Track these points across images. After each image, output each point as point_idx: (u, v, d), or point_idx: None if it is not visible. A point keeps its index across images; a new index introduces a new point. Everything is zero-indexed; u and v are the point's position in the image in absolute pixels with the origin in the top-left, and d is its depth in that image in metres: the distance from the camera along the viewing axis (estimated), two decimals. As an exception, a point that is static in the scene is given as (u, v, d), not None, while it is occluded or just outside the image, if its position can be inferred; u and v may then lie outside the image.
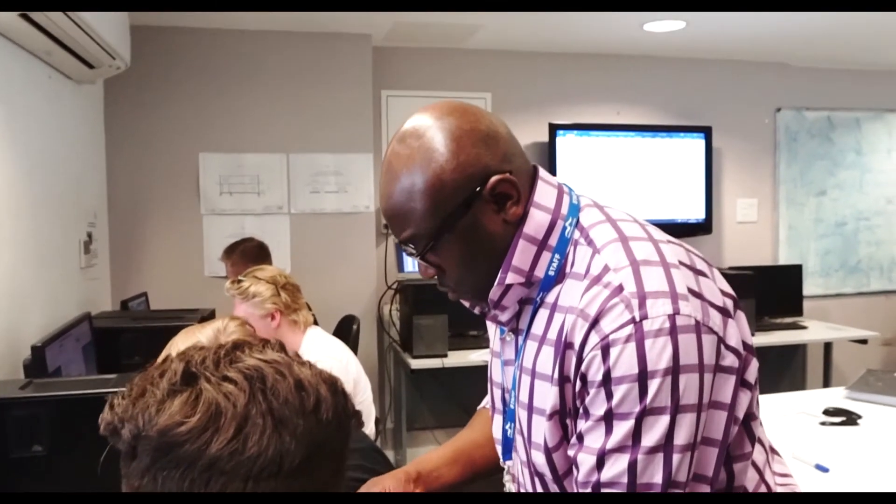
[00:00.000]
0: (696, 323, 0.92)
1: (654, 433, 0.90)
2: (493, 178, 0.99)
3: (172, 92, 3.93)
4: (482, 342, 4.01)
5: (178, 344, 1.32)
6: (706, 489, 0.97)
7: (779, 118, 5.03)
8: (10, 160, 2.36)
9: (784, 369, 4.76)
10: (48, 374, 1.94)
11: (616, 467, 0.92)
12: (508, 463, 1.16)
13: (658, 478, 0.91)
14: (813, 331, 4.45)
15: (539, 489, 1.07)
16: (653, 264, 0.96)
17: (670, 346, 0.90)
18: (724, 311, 0.97)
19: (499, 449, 1.18)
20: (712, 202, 4.81)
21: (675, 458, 0.91)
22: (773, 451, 1.16)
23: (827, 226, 5.17)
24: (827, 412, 2.44)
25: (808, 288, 4.95)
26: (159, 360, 1.26)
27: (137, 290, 3.69)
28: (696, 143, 4.76)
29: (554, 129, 4.48)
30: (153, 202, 3.97)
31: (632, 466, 0.91)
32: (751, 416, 1.02)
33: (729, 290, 1.02)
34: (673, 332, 0.90)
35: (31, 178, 2.55)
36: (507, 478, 1.17)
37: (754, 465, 1.06)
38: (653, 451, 0.91)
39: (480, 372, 3.62)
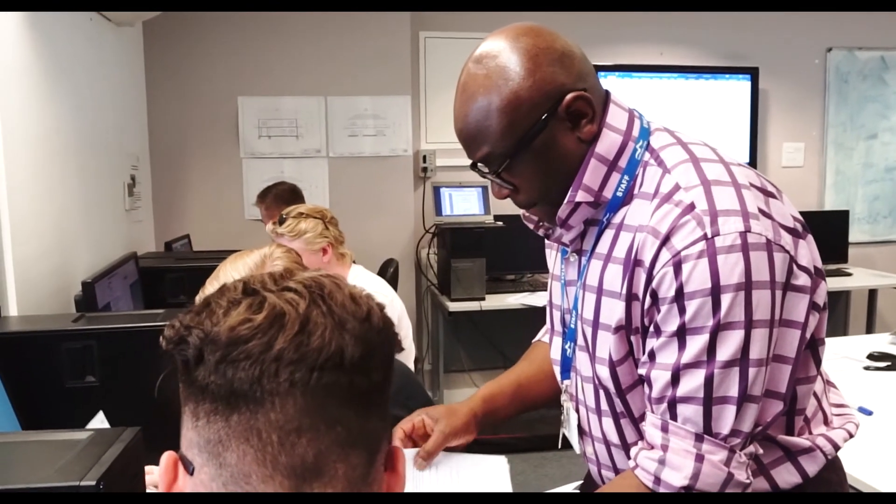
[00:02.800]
0: (766, 241, 0.92)
1: (728, 347, 0.92)
2: (569, 96, 1.00)
3: (210, 34, 3.93)
4: (520, 286, 4.02)
5: (227, 268, 1.35)
6: (779, 406, 0.98)
7: (829, 58, 4.85)
8: (56, 103, 2.39)
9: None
10: (98, 310, 2.00)
11: (692, 382, 0.94)
12: (567, 382, 1.19)
13: (734, 391, 0.93)
14: (857, 278, 4.37)
15: (603, 403, 1.10)
16: (724, 184, 0.96)
17: (742, 261, 0.91)
18: (794, 232, 0.98)
19: (557, 370, 1.21)
20: (757, 146, 4.69)
21: (751, 371, 0.93)
22: (830, 383, 1.17)
23: (877, 171, 5.01)
24: (871, 357, 2.42)
25: (854, 234, 4.84)
26: (208, 281, 1.29)
27: (180, 232, 3.75)
28: (742, 85, 4.62)
29: (595, 70, 4.37)
30: (193, 146, 4.01)
31: (708, 381, 0.93)
32: (819, 340, 1.04)
33: (798, 214, 1.02)
34: (745, 248, 0.91)
35: (77, 121, 2.58)
36: (564, 397, 1.20)
37: (813, 392, 1.07)
38: (728, 364, 0.92)
39: (517, 315, 3.67)
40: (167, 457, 0.59)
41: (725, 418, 0.94)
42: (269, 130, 4.08)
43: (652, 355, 0.97)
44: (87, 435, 0.95)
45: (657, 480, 0.97)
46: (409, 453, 1.16)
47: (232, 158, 4.06)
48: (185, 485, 0.57)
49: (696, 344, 0.93)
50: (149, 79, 3.79)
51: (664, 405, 0.96)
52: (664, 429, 0.97)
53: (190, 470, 0.56)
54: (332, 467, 0.56)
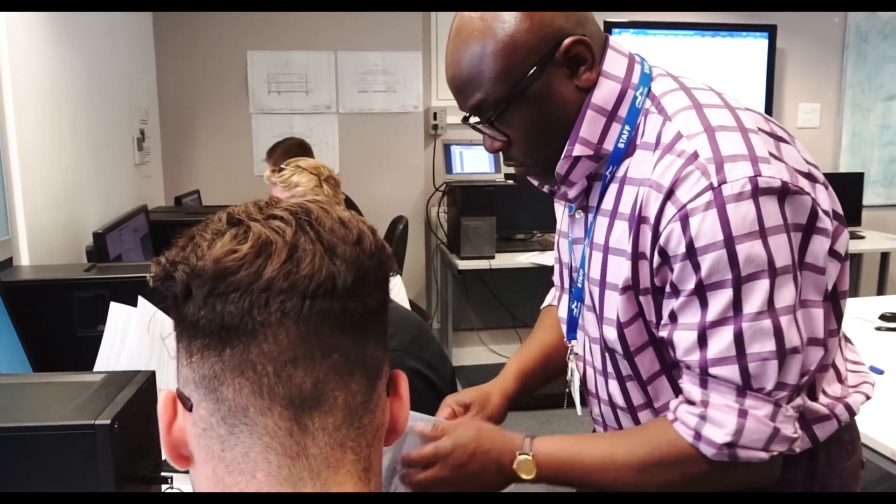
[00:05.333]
0: (782, 184, 0.87)
1: (754, 299, 0.87)
2: (568, 40, 0.95)
3: (219, -13, 3.87)
4: (529, 245, 4.01)
5: None
6: (820, 352, 0.94)
7: (849, 17, 4.74)
8: (65, 56, 2.36)
9: (837, 279, 4.65)
10: (109, 261, 2.00)
11: (721, 341, 0.89)
12: (573, 342, 1.15)
13: (770, 345, 0.88)
14: (870, 240, 4.34)
15: (609, 366, 1.06)
16: (729, 129, 0.91)
17: (754, 208, 0.86)
18: (809, 177, 0.93)
19: (564, 329, 1.18)
20: (772, 106, 4.62)
21: (783, 320, 0.87)
22: (846, 338, 1.12)
23: (894, 133, 4.93)
24: (883, 317, 2.42)
25: (869, 197, 4.78)
26: None
27: (190, 187, 3.75)
28: (759, 44, 4.53)
29: (609, 27, 4.31)
30: (203, 101, 3.98)
31: (738, 337, 0.88)
32: (841, 293, 0.98)
33: (812, 159, 0.97)
34: (755, 194, 0.86)
35: (86, 74, 2.56)
36: (570, 356, 1.17)
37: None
38: (757, 317, 0.87)
39: (527, 274, 3.67)
40: (165, 394, 0.58)
41: (767, 374, 0.88)
42: (279, 86, 4.05)
43: (673, 316, 0.92)
44: (101, 377, 0.95)
45: (697, 436, 0.92)
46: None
47: (241, 114, 4.03)
48: (185, 421, 0.57)
49: (719, 300, 0.88)
50: (157, 32, 3.75)
51: (697, 371, 0.91)
52: (703, 384, 0.92)
53: (188, 406, 0.56)
54: (330, 395, 0.55)
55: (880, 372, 1.93)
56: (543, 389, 1.28)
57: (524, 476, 1.01)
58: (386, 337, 0.60)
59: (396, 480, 1.07)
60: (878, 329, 2.35)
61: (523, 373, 1.24)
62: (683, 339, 0.92)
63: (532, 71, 0.96)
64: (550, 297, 1.38)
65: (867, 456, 1.55)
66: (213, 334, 0.54)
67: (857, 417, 1.13)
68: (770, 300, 0.87)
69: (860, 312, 2.49)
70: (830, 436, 1.03)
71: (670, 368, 1.01)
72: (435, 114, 4.23)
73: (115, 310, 1.43)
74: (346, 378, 0.56)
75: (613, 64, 1.00)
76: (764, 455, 0.91)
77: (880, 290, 4.31)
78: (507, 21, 0.95)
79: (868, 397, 1.06)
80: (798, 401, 0.93)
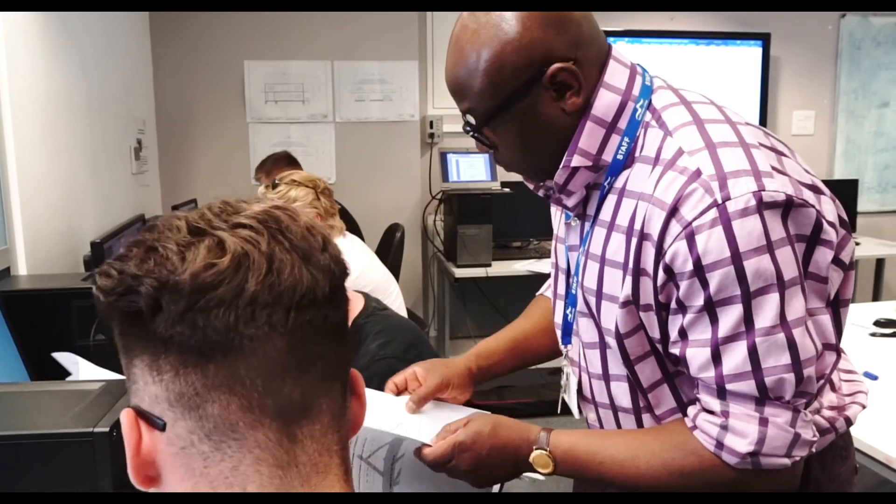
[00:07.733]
0: (785, 197, 0.87)
1: (766, 313, 0.87)
2: (554, 67, 0.95)
3: (216, -3, 3.89)
4: (526, 253, 4.02)
5: None
6: (833, 356, 0.96)
7: (843, 24, 4.77)
8: (63, 66, 2.37)
9: (833, 286, 4.67)
10: (107, 270, 2.01)
11: (735, 357, 0.89)
12: (568, 347, 1.15)
13: (785, 358, 0.88)
14: (865, 247, 4.35)
15: (613, 368, 1.06)
16: (731, 145, 0.91)
17: (759, 223, 0.86)
18: (814, 188, 0.93)
19: (558, 333, 1.18)
20: (767, 114, 4.65)
21: (796, 332, 0.88)
22: (840, 349, 1.13)
23: (888, 139, 4.96)
24: (877, 323, 2.43)
25: (863, 204, 4.81)
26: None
27: (187, 196, 3.75)
28: (753, 52, 4.56)
29: (599, 32, 4.33)
30: (200, 110, 3.99)
31: (752, 352, 0.88)
32: (843, 301, 0.99)
33: (813, 172, 0.98)
34: (760, 208, 0.86)
35: (83, 84, 2.57)
36: (564, 362, 1.17)
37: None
38: (770, 332, 0.87)
39: (524, 282, 3.67)
40: (126, 415, 0.56)
41: (784, 386, 0.89)
42: (276, 95, 4.06)
43: (683, 333, 0.92)
44: (99, 385, 0.96)
45: (719, 445, 0.92)
46: (402, 400, 1.15)
47: (238, 123, 4.05)
48: (155, 441, 0.55)
49: (729, 316, 0.87)
50: (154, 42, 3.77)
51: (713, 387, 0.91)
52: (721, 396, 0.92)
53: (160, 426, 0.54)
54: (317, 403, 0.56)
55: (874, 378, 1.94)
56: (542, 396, 1.28)
57: (541, 470, 1.02)
58: (349, 342, 0.61)
59: (398, 465, 1.07)
60: (873, 335, 2.36)
61: (487, 353, 1.26)
62: (697, 357, 0.92)
63: (517, 91, 0.96)
64: (543, 288, 1.39)
65: (862, 462, 1.56)
66: (191, 351, 0.52)
67: (850, 423, 1.14)
68: (782, 313, 0.87)
69: (855, 318, 2.50)
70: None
71: (672, 377, 1.01)
72: (431, 122, 4.25)
73: (63, 359, 1.37)
74: (329, 385, 0.57)
75: (615, 76, 1.00)
76: (787, 461, 0.91)
77: (875, 297, 4.33)
78: (500, 38, 0.95)
79: (863, 406, 1.07)
80: (815, 404, 0.95)
